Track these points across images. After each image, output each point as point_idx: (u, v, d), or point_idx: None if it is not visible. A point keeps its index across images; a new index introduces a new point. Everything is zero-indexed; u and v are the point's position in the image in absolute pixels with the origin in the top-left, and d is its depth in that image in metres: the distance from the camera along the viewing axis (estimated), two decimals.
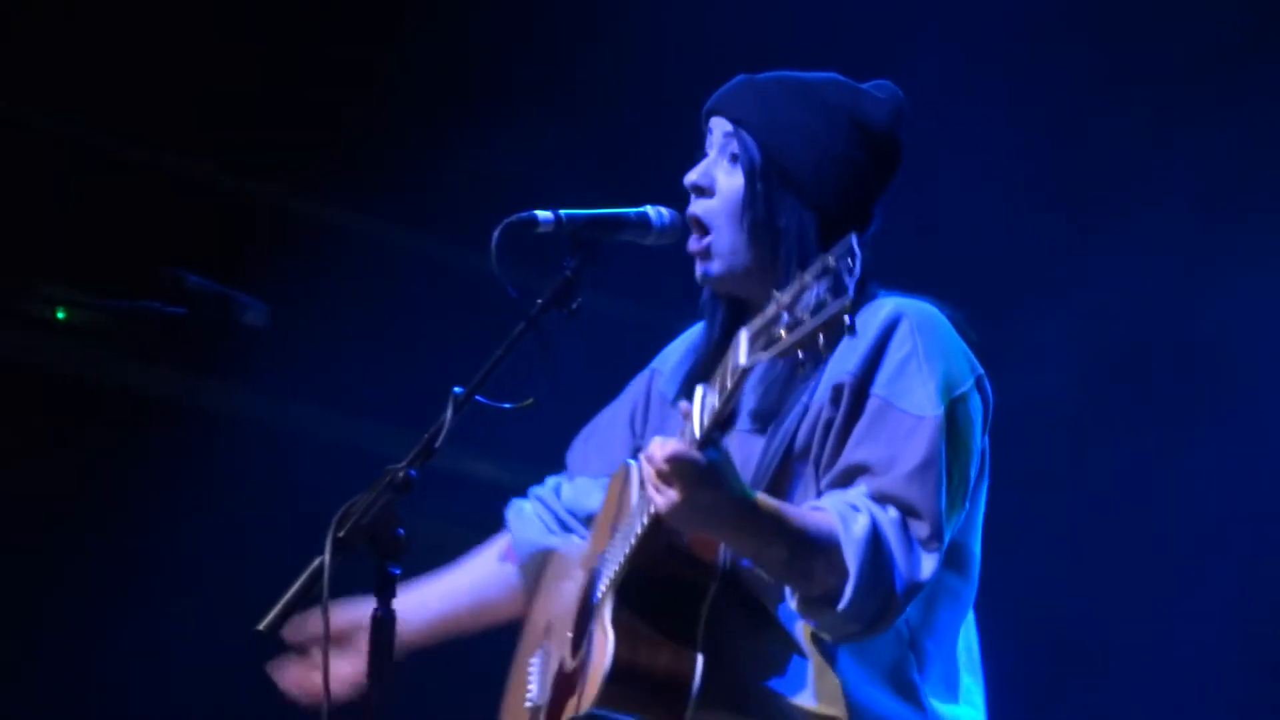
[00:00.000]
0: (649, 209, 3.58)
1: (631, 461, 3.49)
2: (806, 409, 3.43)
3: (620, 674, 3.30)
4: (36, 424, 6.44)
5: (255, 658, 3.76)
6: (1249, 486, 6.34)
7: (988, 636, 3.73)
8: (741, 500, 3.24)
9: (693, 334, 3.79)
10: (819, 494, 3.40)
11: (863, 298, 3.26)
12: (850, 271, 2.89)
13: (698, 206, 3.57)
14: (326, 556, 3.17)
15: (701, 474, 3.16)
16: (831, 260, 2.92)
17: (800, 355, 2.96)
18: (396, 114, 6.56)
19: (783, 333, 2.97)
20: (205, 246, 6.12)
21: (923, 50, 5.85)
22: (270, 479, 6.55)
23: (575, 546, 3.78)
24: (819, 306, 2.91)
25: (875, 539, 3.27)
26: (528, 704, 3.67)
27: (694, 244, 3.57)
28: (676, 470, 3.15)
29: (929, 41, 6.02)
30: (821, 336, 2.91)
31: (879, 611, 3.29)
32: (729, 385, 3.11)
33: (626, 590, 3.37)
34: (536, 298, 3.43)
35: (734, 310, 3.63)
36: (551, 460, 4.03)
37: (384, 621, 3.19)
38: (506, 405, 3.44)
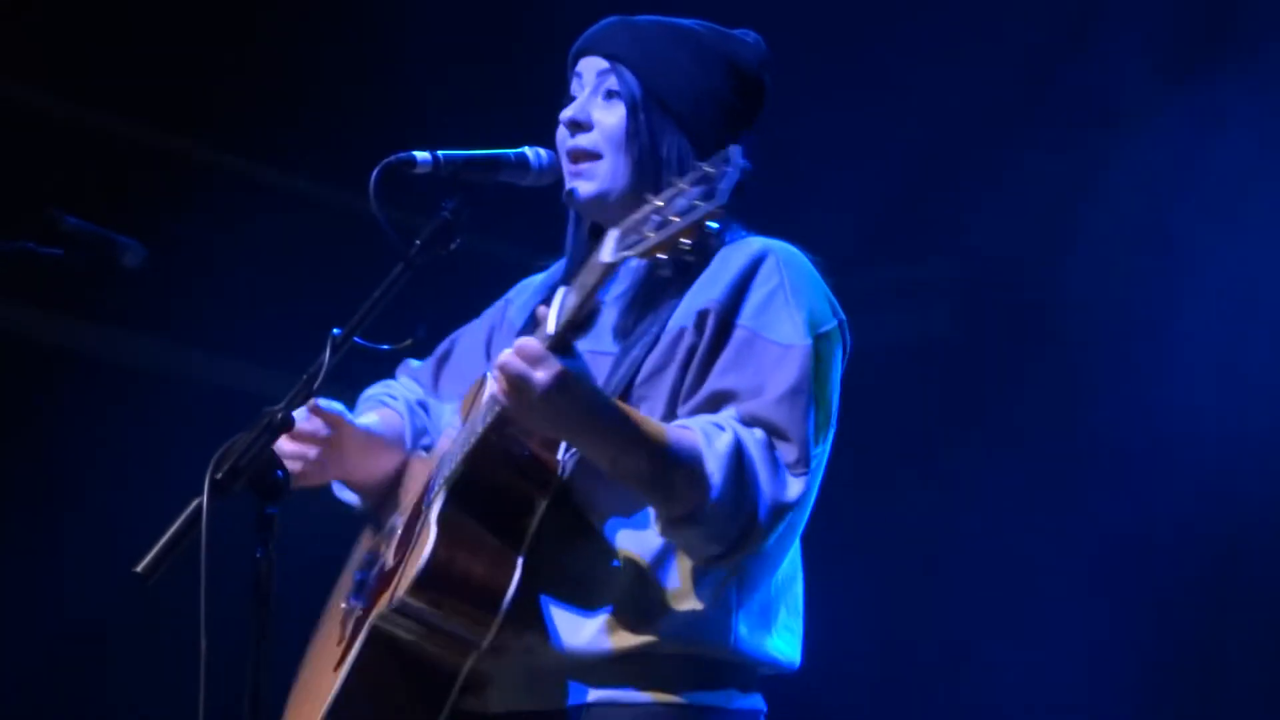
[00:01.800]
0: (527, 150, 3.60)
1: (489, 374, 3.46)
2: (659, 335, 3.45)
3: (435, 571, 3.29)
4: None
5: (134, 598, 3.74)
6: (1127, 436, 6.41)
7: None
8: (595, 404, 3.24)
9: (550, 272, 3.81)
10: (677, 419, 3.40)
11: (726, 226, 3.38)
12: (724, 178, 2.96)
13: (579, 140, 3.59)
14: (205, 499, 3.15)
15: (554, 375, 3.16)
16: (708, 168, 3.00)
17: (661, 259, 3.04)
18: (274, 53, 6.52)
19: (651, 233, 3.03)
20: (82, 187, 6.07)
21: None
22: (146, 421, 6.52)
23: (423, 456, 3.76)
24: (689, 209, 2.99)
25: (739, 455, 3.27)
26: (343, 606, 3.65)
27: (570, 166, 3.59)
28: (527, 369, 3.16)
29: None
30: (687, 240, 2.99)
31: (742, 532, 3.29)
32: (590, 283, 3.15)
33: (458, 491, 3.36)
34: (415, 238, 3.43)
35: (596, 238, 3.66)
36: None
37: (263, 562, 3.18)
38: (385, 346, 3.44)
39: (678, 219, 3.00)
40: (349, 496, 3.83)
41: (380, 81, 6.50)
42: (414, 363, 3.95)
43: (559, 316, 3.18)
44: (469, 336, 3.89)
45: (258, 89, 6.52)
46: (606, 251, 3.12)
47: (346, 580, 3.76)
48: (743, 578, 3.44)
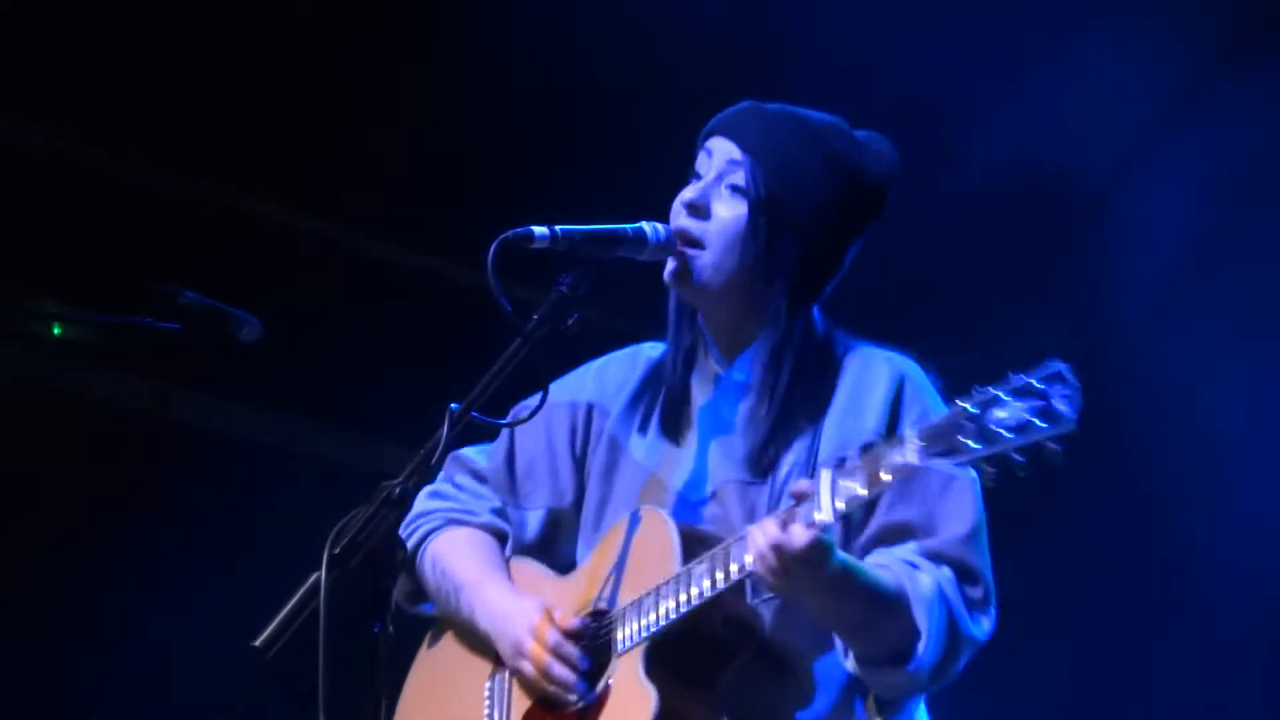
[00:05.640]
0: (645, 225, 3.58)
1: (656, 510, 3.49)
2: (815, 466, 3.46)
3: None
4: (31, 439, 6.43)
5: (252, 674, 3.74)
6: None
7: None
8: (833, 567, 3.25)
9: (617, 368, 3.80)
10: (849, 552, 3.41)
11: (832, 346, 3.41)
12: (1064, 399, 2.88)
13: (691, 225, 3.58)
14: (323, 573, 3.15)
15: (825, 557, 3.21)
16: (1037, 383, 2.92)
17: (978, 469, 2.98)
18: (392, 130, 6.55)
19: (969, 442, 2.95)
20: (199, 262, 6.12)
21: None
22: (265, 494, 6.54)
23: (535, 567, 3.74)
24: (1024, 426, 2.90)
25: (943, 601, 3.33)
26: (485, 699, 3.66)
27: (676, 245, 3.58)
28: (811, 557, 3.18)
29: None
30: (1020, 457, 2.92)
31: (943, 671, 3.36)
32: (882, 481, 3.10)
33: (664, 646, 3.38)
34: (532, 313, 3.43)
35: (695, 334, 3.67)
36: None
37: (381, 637, 3.18)
38: (503, 421, 3.44)
39: (1009, 434, 2.92)
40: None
41: (498, 158, 6.52)
42: (471, 454, 3.89)
43: (834, 503, 3.16)
44: (534, 438, 3.81)
45: (378, 166, 6.56)
46: (910, 453, 3.06)
47: (460, 688, 3.73)
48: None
